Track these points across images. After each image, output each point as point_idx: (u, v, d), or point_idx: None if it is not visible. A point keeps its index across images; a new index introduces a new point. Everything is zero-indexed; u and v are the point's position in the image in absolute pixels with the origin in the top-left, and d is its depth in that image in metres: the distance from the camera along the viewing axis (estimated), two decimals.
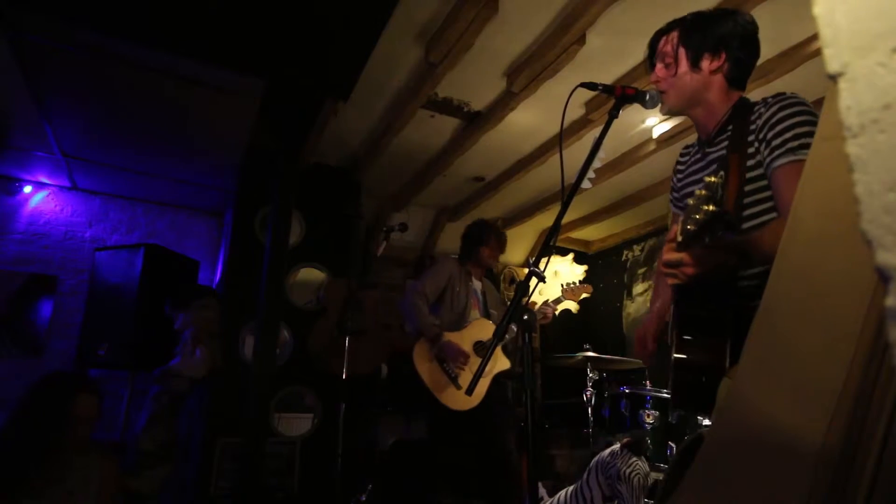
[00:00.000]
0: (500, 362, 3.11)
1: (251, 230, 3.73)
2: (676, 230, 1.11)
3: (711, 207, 0.93)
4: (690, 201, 0.99)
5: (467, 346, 2.99)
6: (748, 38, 1.37)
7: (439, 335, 2.91)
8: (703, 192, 0.95)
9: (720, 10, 1.44)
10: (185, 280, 3.61)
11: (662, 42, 1.44)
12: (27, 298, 3.94)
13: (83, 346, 3.29)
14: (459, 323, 3.08)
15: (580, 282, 3.30)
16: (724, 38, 1.36)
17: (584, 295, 3.26)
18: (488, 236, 3.24)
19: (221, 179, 4.07)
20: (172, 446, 2.62)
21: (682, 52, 1.38)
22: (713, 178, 0.93)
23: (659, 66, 1.44)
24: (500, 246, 3.29)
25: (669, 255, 1.13)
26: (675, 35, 1.41)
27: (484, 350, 3.03)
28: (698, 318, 1.27)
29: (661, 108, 1.46)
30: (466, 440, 2.96)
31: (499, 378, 3.05)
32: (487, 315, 3.22)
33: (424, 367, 2.92)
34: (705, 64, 1.37)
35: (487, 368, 3.02)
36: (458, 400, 2.87)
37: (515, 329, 3.12)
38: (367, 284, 3.75)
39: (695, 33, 1.38)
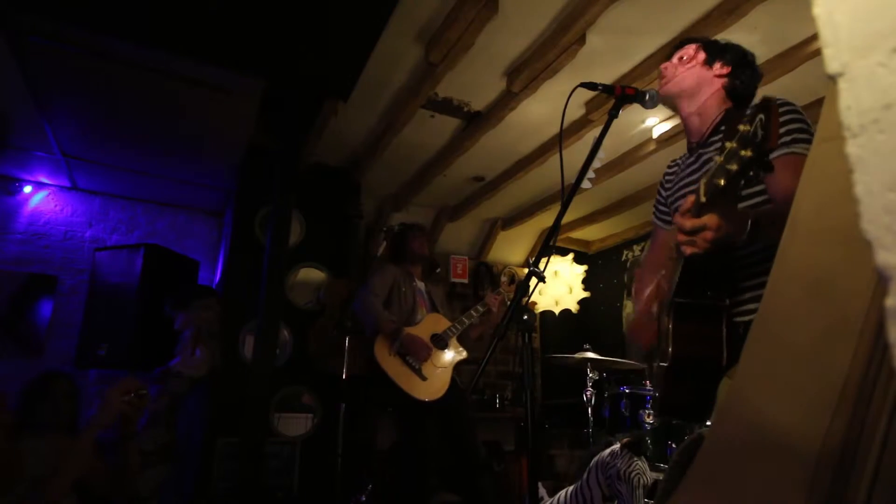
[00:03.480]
0: (459, 353, 3.19)
1: (251, 230, 3.73)
2: (691, 199, 1.11)
3: (749, 153, 0.91)
4: (718, 158, 0.98)
5: (426, 340, 3.05)
6: (751, 76, 1.51)
7: (398, 330, 2.96)
8: (734, 144, 0.93)
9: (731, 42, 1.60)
10: (185, 280, 3.61)
11: (682, 49, 1.55)
12: (27, 298, 3.93)
13: (83, 346, 3.28)
14: (410, 320, 3.13)
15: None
16: (734, 58, 1.49)
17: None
18: (409, 230, 3.39)
19: (221, 179, 4.07)
20: (172, 446, 2.62)
21: (701, 52, 1.50)
22: (746, 127, 0.92)
23: (674, 60, 1.53)
24: (425, 232, 3.46)
25: (691, 221, 1.11)
26: (695, 45, 1.54)
27: (441, 342, 3.11)
28: (695, 307, 1.27)
29: (660, 91, 1.53)
30: (434, 433, 2.98)
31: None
32: (437, 312, 3.30)
33: (387, 362, 2.93)
34: (717, 66, 1.48)
35: (449, 360, 3.08)
36: (425, 390, 2.91)
37: (473, 317, 3.23)
38: None
39: (715, 44, 1.53)
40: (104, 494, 1.94)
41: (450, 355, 3.12)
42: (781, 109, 1.28)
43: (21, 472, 1.73)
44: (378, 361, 2.92)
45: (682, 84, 1.48)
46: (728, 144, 0.95)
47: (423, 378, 2.93)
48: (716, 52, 1.50)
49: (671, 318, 1.29)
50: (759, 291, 1.24)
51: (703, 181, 1.06)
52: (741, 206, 1.31)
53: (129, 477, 1.92)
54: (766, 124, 0.89)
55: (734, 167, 0.94)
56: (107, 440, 1.90)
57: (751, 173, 0.93)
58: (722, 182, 0.97)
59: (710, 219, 1.08)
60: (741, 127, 0.93)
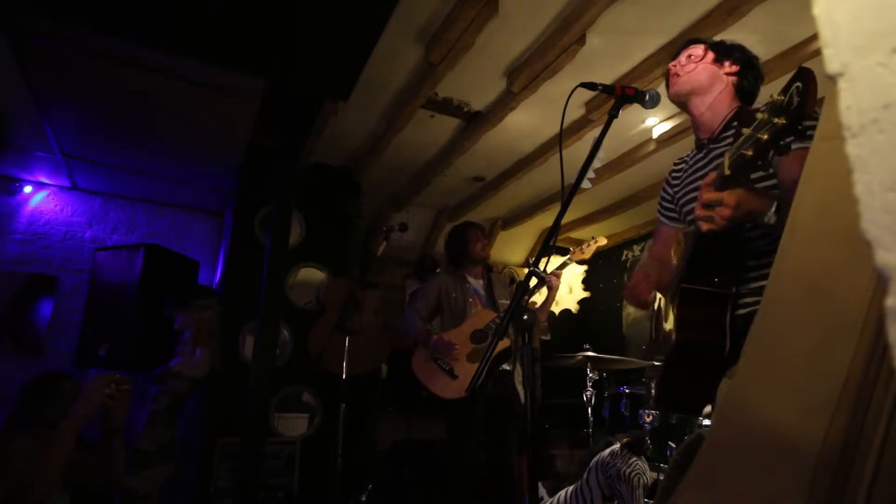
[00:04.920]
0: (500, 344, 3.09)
1: (251, 230, 3.73)
2: (713, 175, 1.09)
3: (783, 120, 0.89)
4: (746, 130, 0.97)
5: (463, 338, 3.02)
6: (756, 75, 1.53)
7: (428, 336, 3.02)
8: (764, 115, 0.92)
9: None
10: (185, 280, 3.61)
11: (689, 48, 1.56)
12: (27, 298, 3.93)
13: (83, 346, 3.28)
14: (461, 322, 3.13)
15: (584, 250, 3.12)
16: (741, 57, 1.52)
17: (595, 248, 3.05)
18: (470, 233, 3.30)
19: (221, 179, 4.07)
20: (172, 446, 2.62)
21: (710, 52, 1.51)
22: (780, 97, 0.90)
23: (682, 59, 1.54)
24: (484, 234, 3.40)
25: (710, 194, 1.08)
26: (702, 45, 1.55)
27: (482, 338, 3.05)
28: (702, 293, 1.27)
29: (669, 91, 1.54)
30: (474, 439, 2.97)
31: (499, 364, 3.05)
32: (494, 307, 3.22)
33: (419, 368, 3.01)
34: (726, 65, 1.49)
35: (481, 356, 3.02)
36: (454, 388, 2.90)
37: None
38: (367, 284, 3.75)
39: (720, 45, 1.54)
40: (95, 490, 1.94)
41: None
42: None
43: (10, 471, 1.73)
44: (412, 369, 3.02)
45: (695, 81, 1.48)
46: (760, 115, 0.93)
47: (454, 376, 2.92)
48: (723, 51, 1.51)
49: (677, 302, 1.29)
50: (762, 283, 1.24)
51: (727, 154, 1.03)
52: None
53: (117, 472, 1.92)
54: (804, 92, 0.87)
55: (765, 136, 0.92)
56: (94, 438, 1.91)
57: (782, 142, 0.90)
58: (751, 153, 0.95)
59: (729, 195, 1.06)
60: (775, 96, 0.91)
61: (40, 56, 2.60)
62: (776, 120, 0.90)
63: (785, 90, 0.90)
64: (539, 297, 3.21)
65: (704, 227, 1.12)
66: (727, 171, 1.03)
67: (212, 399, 3.35)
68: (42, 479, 1.67)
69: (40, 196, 4.12)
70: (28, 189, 4.06)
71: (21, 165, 3.84)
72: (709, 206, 1.09)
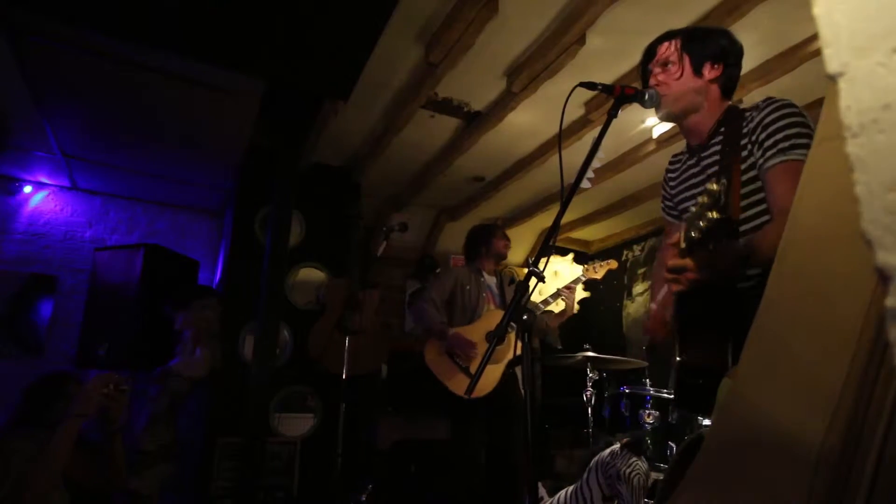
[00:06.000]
0: (514, 349, 3.10)
1: (251, 230, 3.73)
2: (679, 236, 1.11)
3: (716, 214, 0.93)
4: (693, 209, 1.00)
5: (478, 337, 3.03)
6: (740, 56, 1.46)
7: (445, 330, 3.01)
8: (706, 199, 0.95)
9: (716, 27, 1.53)
10: (185, 280, 3.61)
11: (664, 48, 1.47)
12: (27, 298, 3.93)
13: (83, 346, 3.28)
14: (473, 318, 3.13)
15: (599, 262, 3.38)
16: (724, 50, 1.42)
17: (608, 269, 3.32)
18: (494, 230, 3.37)
19: (221, 179, 4.07)
20: (172, 446, 2.62)
21: (685, 57, 1.43)
22: (715, 186, 0.93)
23: (658, 70, 1.47)
24: (506, 235, 3.45)
25: (673, 261, 1.13)
26: (677, 42, 1.45)
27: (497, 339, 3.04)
28: (701, 318, 1.27)
29: (659, 112, 1.48)
30: (481, 437, 2.98)
31: (513, 367, 3.06)
32: (505, 306, 3.23)
33: (434, 361, 2.99)
34: (706, 71, 1.42)
35: (499, 356, 3.03)
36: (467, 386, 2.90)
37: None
38: (367, 284, 3.75)
39: (697, 42, 1.44)
40: (94, 490, 1.95)
41: (504, 352, 3.07)
42: (782, 112, 1.25)
43: (10, 471, 1.73)
44: (426, 361, 3.00)
45: (684, 105, 1.43)
46: (701, 199, 0.98)
47: (471, 375, 2.94)
48: (699, 53, 1.42)
49: (676, 326, 1.30)
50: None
51: (683, 227, 1.07)
52: (744, 227, 1.29)
53: (118, 473, 1.92)
54: (728, 192, 0.92)
55: (704, 224, 0.97)
56: (93, 437, 1.91)
57: (720, 233, 0.97)
58: (696, 235, 1.01)
59: (688, 262, 1.11)
60: (710, 186, 0.96)
61: (40, 56, 2.60)
62: (710, 213, 0.95)
63: (717, 178, 0.95)
64: (556, 307, 3.28)
65: (674, 288, 1.17)
66: (682, 245, 1.08)
67: (212, 399, 3.35)
68: (42, 479, 1.67)
69: (40, 196, 4.12)
70: (28, 189, 4.06)
71: (21, 165, 3.84)
72: (673, 271, 1.13)
